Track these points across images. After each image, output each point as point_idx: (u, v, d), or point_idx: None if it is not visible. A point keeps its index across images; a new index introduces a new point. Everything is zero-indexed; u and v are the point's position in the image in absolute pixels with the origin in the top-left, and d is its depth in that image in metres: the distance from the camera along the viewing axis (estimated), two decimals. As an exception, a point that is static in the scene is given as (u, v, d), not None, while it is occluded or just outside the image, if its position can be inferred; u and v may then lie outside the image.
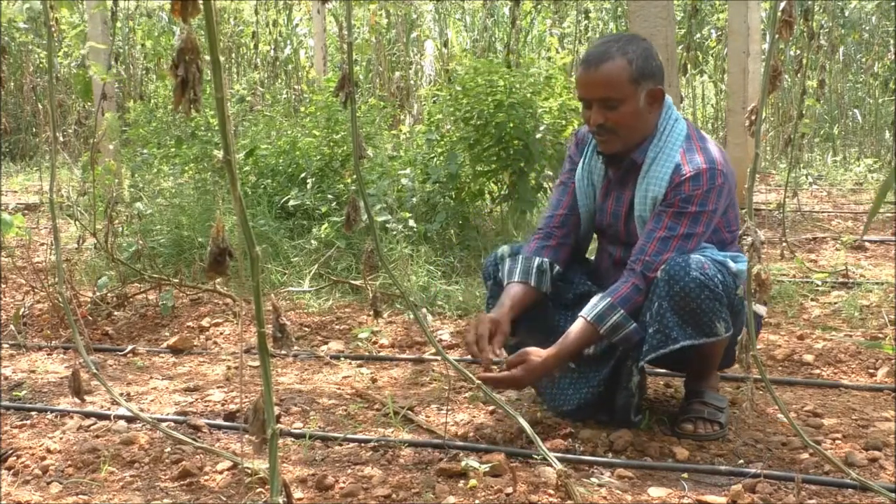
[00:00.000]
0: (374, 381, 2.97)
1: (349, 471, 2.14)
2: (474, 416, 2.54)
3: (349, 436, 2.36)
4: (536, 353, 2.25)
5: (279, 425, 1.80)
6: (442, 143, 4.87)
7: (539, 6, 9.46)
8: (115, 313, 3.84)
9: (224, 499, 2.01)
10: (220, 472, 2.13)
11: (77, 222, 4.39)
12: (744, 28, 5.78)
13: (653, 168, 2.33)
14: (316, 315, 3.74)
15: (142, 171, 5.37)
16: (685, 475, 2.11)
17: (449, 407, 2.60)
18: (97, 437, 2.38)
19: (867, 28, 10.25)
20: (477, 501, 1.95)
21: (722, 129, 8.95)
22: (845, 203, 7.04)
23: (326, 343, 3.45)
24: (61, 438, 2.37)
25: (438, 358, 3.06)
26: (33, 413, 2.62)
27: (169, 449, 2.28)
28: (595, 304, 2.27)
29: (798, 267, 4.41)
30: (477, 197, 4.86)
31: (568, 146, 2.66)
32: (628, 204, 2.41)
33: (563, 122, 4.69)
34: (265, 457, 1.38)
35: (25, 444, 2.34)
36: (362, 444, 2.31)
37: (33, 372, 3.13)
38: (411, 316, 3.62)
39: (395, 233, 4.24)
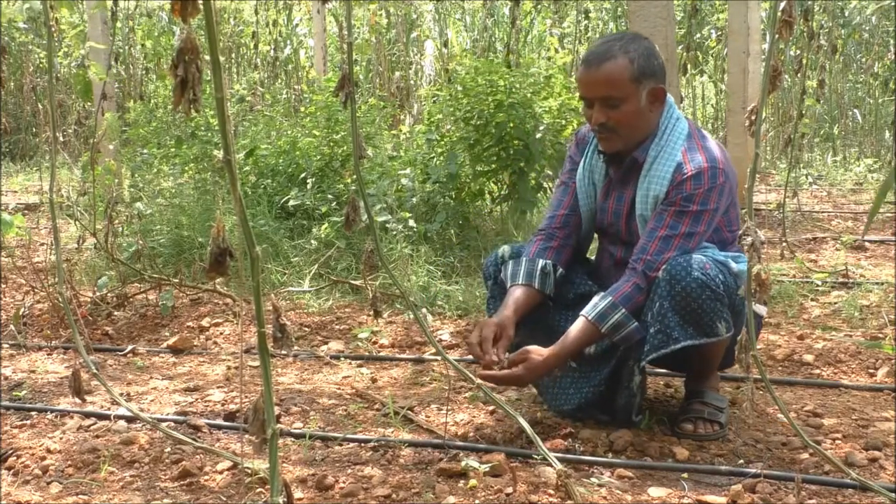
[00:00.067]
0: (374, 381, 2.97)
1: (349, 471, 2.14)
2: (474, 416, 2.53)
3: (349, 436, 2.36)
4: (537, 352, 2.25)
5: (279, 425, 1.80)
6: (442, 143, 4.87)
7: (539, 6, 9.46)
8: (115, 313, 3.84)
9: (224, 499, 2.01)
10: (220, 472, 2.13)
11: (77, 222, 4.39)
12: (744, 28, 5.78)
13: (654, 167, 2.33)
14: (316, 315, 3.74)
15: (142, 171, 5.37)
16: (685, 475, 2.11)
17: (449, 407, 2.60)
18: (97, 437, 2.38)
19: (867, 28, 10.25)
20: (477, 501, 1.95)
21: (722, 129, 8.95)
22: (845, 203, 7.04)
23: (326, 343, 3.45)
24: (61, 438, 2.37)
25: (438, 358, 3.06)
26: (33, 413, 2.62)
27: (169, 449, 2.28)
28: (596, 303, 2.27)
29: (798, 267, 4.41)
30: (477, 197, 4.86)
31: (568, 146, 2.66)
32: (629, 203, 2.40)
33: (563, 122, 4.69)
34: (265, 457, 1.39)
35: (25, 444, 2.34)
36: (362, 444, 2.31)
37: (33, 372, 3.13)
38: (411, 316, 3.62)
39: (395, 233, 4.24)
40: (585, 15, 9.14)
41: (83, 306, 3.77)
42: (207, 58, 1.23)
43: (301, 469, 2.14)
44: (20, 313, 3.73)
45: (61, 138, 8.33)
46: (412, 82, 9.98)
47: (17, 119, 11.30)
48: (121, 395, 2.68)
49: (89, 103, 6.19)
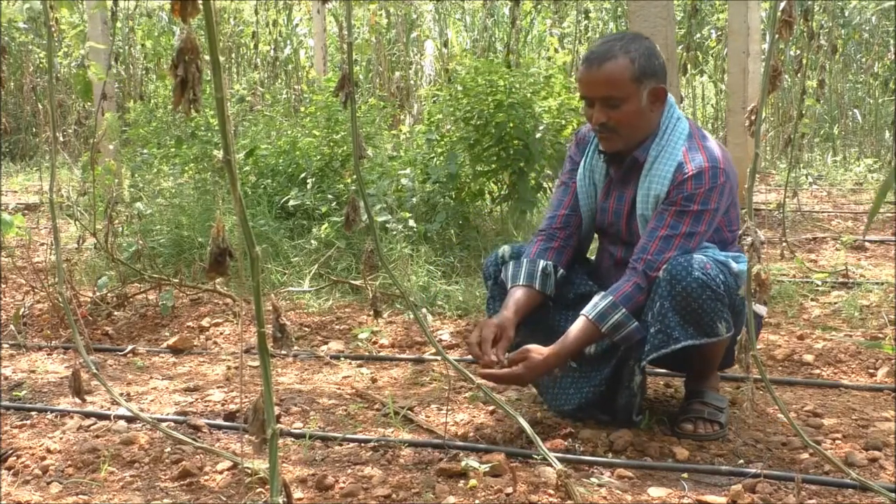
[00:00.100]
0: (374, 381, 2.97)
1: (349, 471, 2.14)
2: (474, 416, 2.53)
3: (349, 436, 2.36)
4: (538, 351, 2.25)
5: (279, 425, 1.80)
6: (442, 143, 4.87)
7: (539, 6, 9.46)
8: (115, 313, 3.84)
9: (224, 499, 2.01)
10: (220, 472, 2.13)
11: (77, 222, 4.39)
12: (744, 28, 5.78)
13: (655, 166, 2.33)
14: (316, 315, 3.74)
15: (142, 171, 5.37)
16: (685, 475, 2.11)
17: (449, 407, 2.60)
18: (97, 437, 2.38)
19: (867, 28, 10.25)
20: (477, 501, 1.95)
21: (722, 129, 8.95)
22: (845, 203, 7.04)
23: (326, 343, 3.45)
24: (61, 438, 2.37)
25: (438, 358, 3.06)
26: (33, 413, 2.62)
27: (169, 449, 2.27)
28: (597, 303, 2.27)
29: (798, 267, 4.41)
30: (477, 197, 4.86)
31: (568, 146, 2.66)
32: (630, 203, 2.40)
33: (563, 122, 4.69)
34: (265, 457, 1.38)
35: (25, 444, 2.34)
36: (362, 444, 2.31)
37: (33, 372, 3.13)
38: (411, 316, 3.62)
39: (395, 233, 4.24)
40: (585, 15, 9.14)
41: (83, 306, 3.77)
42: (207, 58, 1.23)
43: (301, 469, 2.14)
44: (20, 313, 3.73)
45: (61, 138, 8.33)
46: (412, 82, 9.99)
47: (17, 119, 11.30)
48: (121, 395, 2.68)
49: (89, 103, 6.19)
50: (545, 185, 4.78)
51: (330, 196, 4.67)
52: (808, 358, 3.04)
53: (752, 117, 1.77)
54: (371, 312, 2.86)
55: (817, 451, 1.74)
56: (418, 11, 10.29)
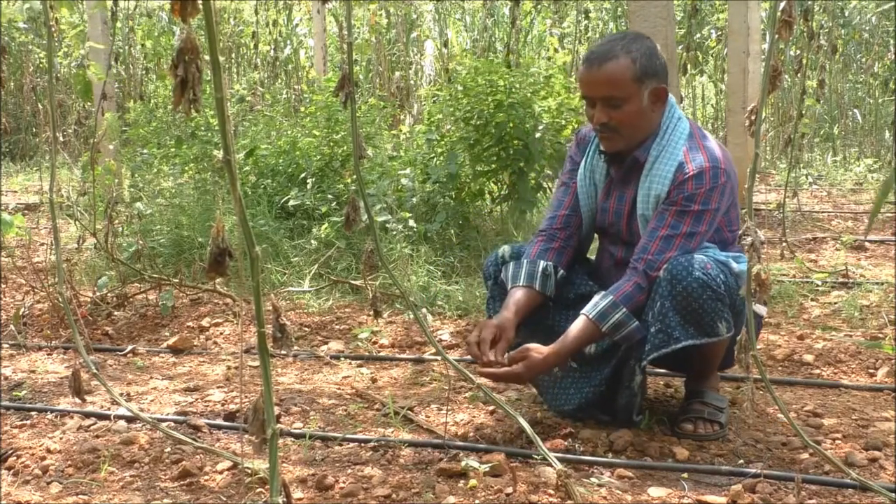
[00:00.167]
0: (374, 381, 2.97)
1: (349, 471, 2.14)
2: (474, 416, 2.53)
3: (349, 436, 2.36)
4: (537, 350, 2.25)
5: (279, 425, 1.80)
6: (442, 143, 4.87)
7: (539, 6, 9.46)
8: (115, 313, 3.84)
9: (224, 499, 2.01)
10: (220, 472, 2.13)
11: (77, 222, 4.39)
12: (744, 28, 5.78)
13: (656, 166, 2.33)
14: (316, 315, 3.74)
15: (142, 171, 5.37)
16: (685, 475, 2.11)
17: (449, 407, 2.60)
18: (97, 437, 2.38)
19: (867, 28, 10.24)
20: (477, 501, 1.95)
21: (722, 129, 8.95)
22: (845, 203, 7.04)
23: (326, 343, 3.45)
24: (61, 438, 2.37)
25: (438, 358, 3.06)
26: (33, 413, 2.62)
27: (169, 449, 2.27)
28: (597, 302, 2.27)
29: (798, 267, 4.41)
30: (477, 197, 4.86)
31: (569, 146, 2.66)
32: (630, 203, 2.40)
33: (563, 122, 4.69)
34: (265, 457, 1.38)
35: (25, 444, 2.34)
36: (362, 444, 2.31)
37: (33, 372, 3.13)
38: (411, 316, 3.62)
39: (395, 233, 4.24)
40: (585, 15, 9.14)
41: (83, 306, 3.77)
42: (207, 58, 1.23)
43: (301, 469, 2.14)
44: (20, 313, 3.73)
45: (61, 138, 8.33)
46: (412, 82, 9.99)
47: (17, 119, 11.30)
48: (121, 395, 2.68)
49: (89, 103, 6.19)
50: (545, 185, 4.78)
51: (330, 196, 4.67)
52: (808, 358, 3.04)
53: (752, 117, 1.77)
54: (371, 312, 2.86)
55: (817, 451, 1.74)
56: (418, 11, 10.29)
